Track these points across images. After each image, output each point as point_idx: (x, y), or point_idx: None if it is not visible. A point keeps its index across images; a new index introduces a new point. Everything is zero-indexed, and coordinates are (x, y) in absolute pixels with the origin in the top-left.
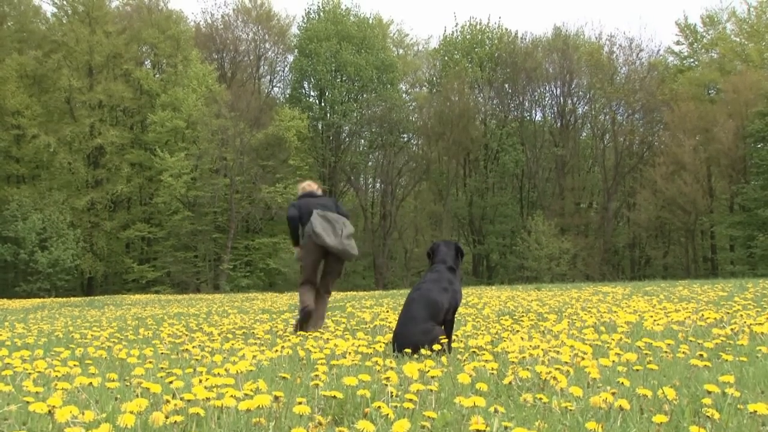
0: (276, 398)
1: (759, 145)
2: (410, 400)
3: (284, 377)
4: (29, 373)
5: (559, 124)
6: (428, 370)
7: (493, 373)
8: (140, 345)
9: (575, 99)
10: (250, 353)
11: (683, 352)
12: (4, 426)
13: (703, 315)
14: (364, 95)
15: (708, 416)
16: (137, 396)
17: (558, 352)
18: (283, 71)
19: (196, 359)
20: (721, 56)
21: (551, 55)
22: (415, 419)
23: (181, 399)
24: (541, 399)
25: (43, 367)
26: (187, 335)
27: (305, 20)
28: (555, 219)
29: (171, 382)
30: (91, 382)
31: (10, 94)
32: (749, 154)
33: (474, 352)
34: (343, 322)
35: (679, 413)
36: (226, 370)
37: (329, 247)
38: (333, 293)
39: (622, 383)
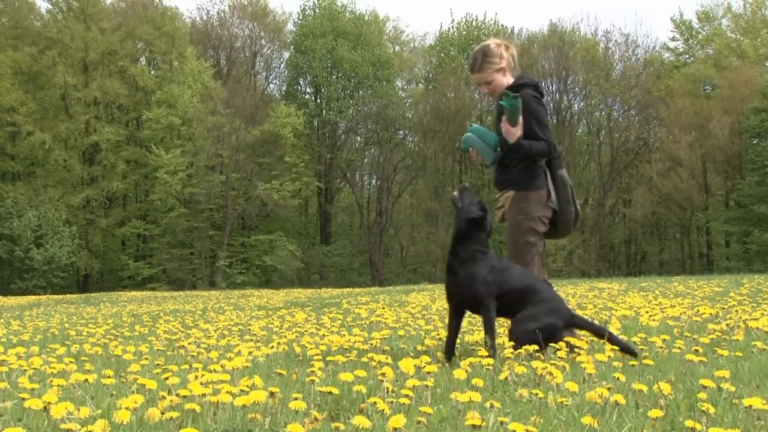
0: (272, 394)
1: (754, 141)
2: (406, 396)
3: (280, 373)
4: (25, 370)
5: (554, 120)
6: (424, 366)
7: (489, 369)
8: (136, 342)
9: (571, 95)
10: (246, 349)
11: (679, 348)
12: (0, 422)
13: (698, 310)
14: (360, 92)
15: (703, 411)
16: (133, 392)
17: (554, 348)
18: (279, 68)
19: (192, 356)
20: (716, 52)
21: (547, 51)
22: (411, 414)
23: (177, 395)
24: (537, 394)
25: (38, 363)
26: (182, 332)
27: (301, 17)
28: None
29: (167, 379)
30: (86, 379)
31: (5, 90)
32: (744, 150)
33: (471, 347)
34: (339, 319)
35: (675, 408)
36: (221, 366)
37: None
38: (329, 290)
39: (618, 378)
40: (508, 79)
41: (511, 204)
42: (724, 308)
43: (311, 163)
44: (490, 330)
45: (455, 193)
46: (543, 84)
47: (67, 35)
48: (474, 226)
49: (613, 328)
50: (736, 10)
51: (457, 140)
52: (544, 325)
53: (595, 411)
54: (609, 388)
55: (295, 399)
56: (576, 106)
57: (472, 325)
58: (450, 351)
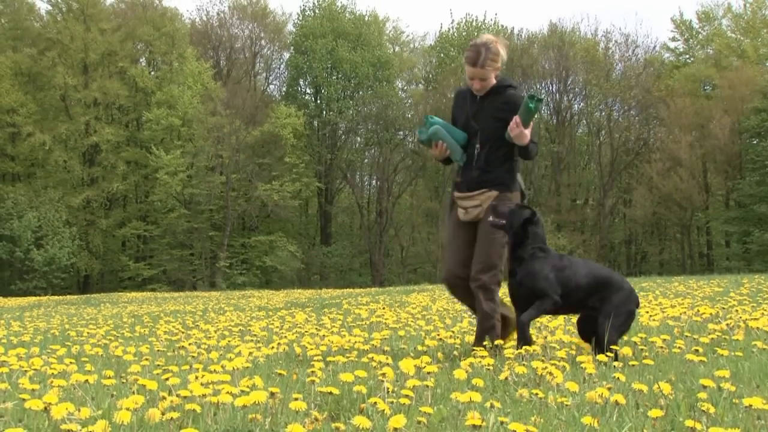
0: (272, 394)
1: (754, 141)
2: (406, 396)
3: (280, 374)
4: (25, 371)
5: (555, 120)
6: (424, 366)
7: (489, 369)
8: (136, 342)
9: (571, 96)
10: (247, 350)
11: (679, 348)
12: (1, 423)
13: (698, 310)
14: (360, 92)
15: (703, 410)
16: (133, 393)
17: (554, 348)
18: (279, 68)
19: (193, 356)
20: (716, 52)
21: (547, 51)
22: (411, 414)
23: (177, 395)
24: (537, 394)
25: (39, 364)
26: (183, 333)
27: (301, 17)
28: (551, 216)
29: (167, 379)
30: (87, 380)
31: (5, 91)
32: (745, 149)
33: (471, 348)
34: (340, 319)
35: (675, 408)
36: (222, 366)
37: None
38: (329, 290)
39: (618, 378)
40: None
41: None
42: (724, 308)
43: (311, 164)
44: (528, 320)
45: (491, 218)
46: (543, 84)
47: (66, 36)
48: (528, 224)
49: None
50: (736, 10)
51: (420, 131)
52: (626, 316)
53: (596, 411)
54: (609, 388)
55: (296, 399)
56: (576, 106)
57: (472, 326)
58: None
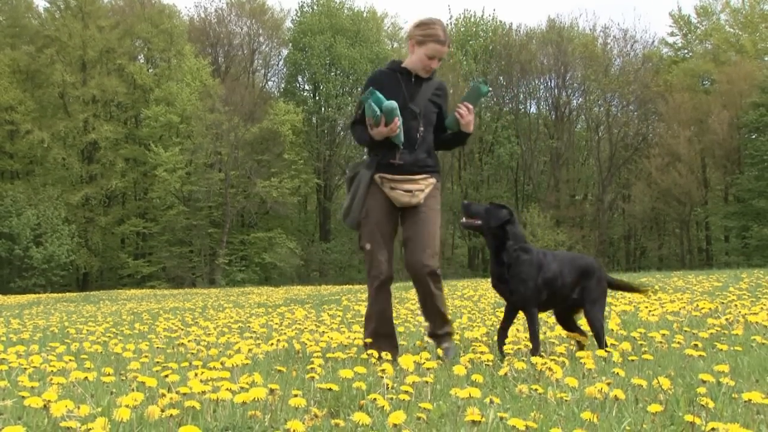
0: (271, 391)
1: (753, 136)
2: (406, 392)
3: (280, 370)
4: (24, 368)
5: (553, 116)
6: (423, 362)
7: (488, 365)
8: (136, 339)
9: (570, 91)
10: (246, 347)
11: (678, 342)
12: (0, 420)
13: (697, 305)
14: (359, 89)
15: (703, 405)
16: (133, 390)
17: (553, 343)
18: (278, 65)
19: (192, 353)
20: (715, 47)
21: (545, 47)
22: (411, 410)
23: (177, 392)
24: (536, 390)
25: (38, 362)
26: (182, 329)
27: (299, 14)
28: (550, 211)
29: (166, 376)
30: (86, 377)
31: (3, 89)
32: (743, 144)
33: (470, 343)
34: (339, 316)
35: (674, 402)
36: (221, 363)
37: None
38: (329, 287)
39: (618, 373)
40: None
41: (432, 191)
42: (723, 303)
43: (310, 160)
44: (535, 337)
45: (464, 219)
46: (541, 79)
47: (65, 33)
48: (507, 224)
49: (613, 324)
50: (734, 5)
51: (371, 105)
52: (604, 296)
53: (595, 406)
54: (608, 384)
55: (295, 396)
56: (575, 101)
57: (471, 322)
58: (500, 344)
